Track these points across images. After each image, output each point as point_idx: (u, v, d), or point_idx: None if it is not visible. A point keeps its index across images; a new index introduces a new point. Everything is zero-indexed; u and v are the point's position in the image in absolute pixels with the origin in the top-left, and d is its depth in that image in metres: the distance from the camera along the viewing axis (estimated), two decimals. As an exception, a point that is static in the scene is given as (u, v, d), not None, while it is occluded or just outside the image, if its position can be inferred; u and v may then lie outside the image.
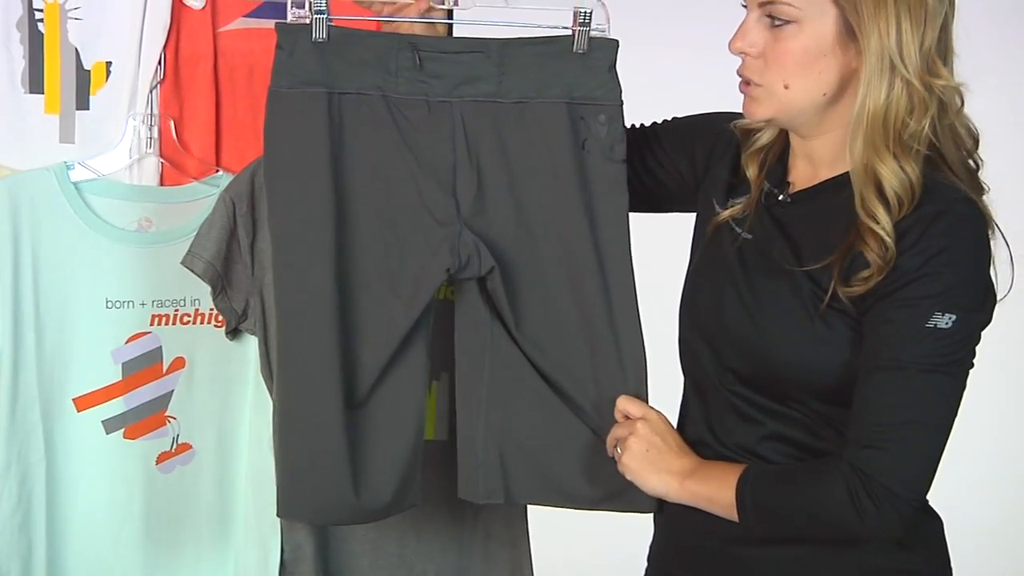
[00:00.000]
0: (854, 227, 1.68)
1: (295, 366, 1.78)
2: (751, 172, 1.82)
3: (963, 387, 1.64)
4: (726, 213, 1.82)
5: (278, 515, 1.82)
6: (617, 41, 1.84)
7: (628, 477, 1.75)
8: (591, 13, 1.83)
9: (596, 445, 1.83)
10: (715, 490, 1.70)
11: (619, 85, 1.85)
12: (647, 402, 1.83)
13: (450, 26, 1.88)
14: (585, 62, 1.82)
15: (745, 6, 1.73)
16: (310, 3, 1.75)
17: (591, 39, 1.83)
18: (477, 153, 1.81)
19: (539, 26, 1.84)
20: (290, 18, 1.76)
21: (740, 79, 1.75)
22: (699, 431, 1.82)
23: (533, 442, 1.84)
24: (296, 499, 1.78)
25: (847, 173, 1.72)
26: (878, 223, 1.64)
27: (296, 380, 1.78)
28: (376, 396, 1.80)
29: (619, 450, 1.76)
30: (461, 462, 1.83)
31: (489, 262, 1.79)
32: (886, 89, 1.65)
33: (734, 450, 1.76)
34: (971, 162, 1.73)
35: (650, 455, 1.74)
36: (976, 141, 1.74)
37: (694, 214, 1.94)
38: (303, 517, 1.86)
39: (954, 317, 1.60)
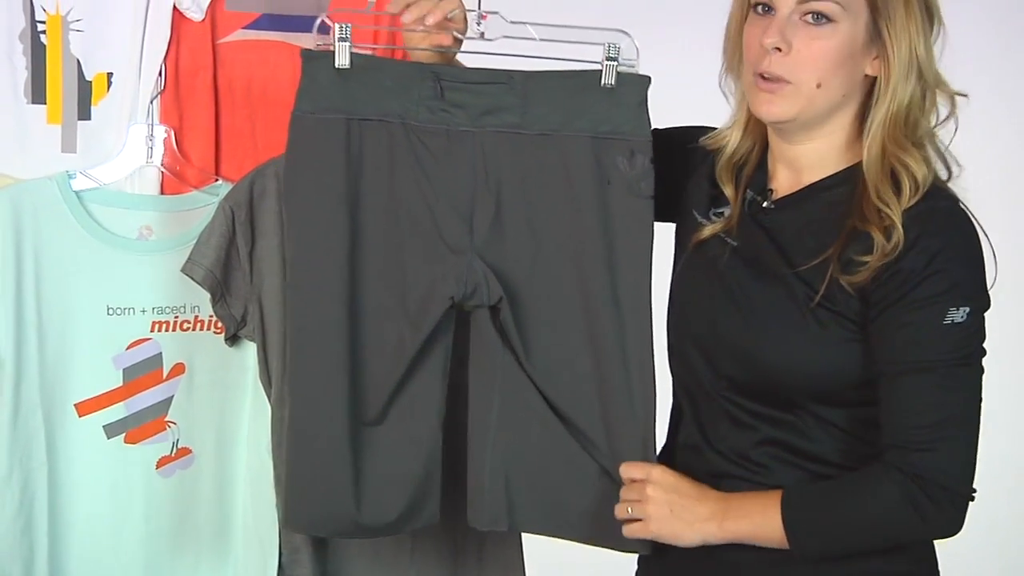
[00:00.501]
0: (844, 224, 1.71)
1: (306, 384, 1.81)
2: (727, 185, 1.84)
3: (983, 372, 1.69)
4: (712, 226, 1.84)
5: (282, 526, 1.86)
6: (649, 77, 1.85)
7: (662, 541, 1.74)
8: (620, 47, 1.83)
9: (601, 480, 1.84)
10: (758, 524, 1.70)
11: (648, 121, 1.85)
12: (654, 434, 1.83)
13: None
14: (613, 97, 1.83)
15: (767, 7, 1.74)
16: (333, 30, 1.77)
17: (620, 74, 1.83)
18: (497, 183, 1.82)
19: (567, 59, 1.85)
20: (313, 45, 1.79)
21: (763, 77, 1.75)
22: (692, 436, 1.84)
23: (538, 472, 1.86)
24: (299, 511, 1.82)
25: (832, 176, 1.76)
26: (889, 207, 1.68)
27: (306, 397, 1.81)
28: (390, 415, 1.83)
29: (631, 511, 1.75)
30: (470, 487, 1.85)
31: (498, 292, 1.81)
32: (910, 91, 1.71)
33: (727, 455, 1.78)
34: (947, 169, 1.78)
35: (675, 513, 1.74)
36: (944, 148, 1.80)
37: (672, 224, 1.95)
38: (305, 529, 1.88)
39: (968, 309, 1.65)
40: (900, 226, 1.67)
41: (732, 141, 1.85)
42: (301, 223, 1.81)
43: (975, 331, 1.68)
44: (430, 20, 1.82)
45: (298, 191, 1.81)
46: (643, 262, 1.85)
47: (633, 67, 1.84)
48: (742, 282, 1.79)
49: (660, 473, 1.75)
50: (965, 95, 1.75)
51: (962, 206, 1.73)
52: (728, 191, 1.84)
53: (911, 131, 1.73)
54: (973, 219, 1.73)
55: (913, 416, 1.66)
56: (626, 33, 1.84)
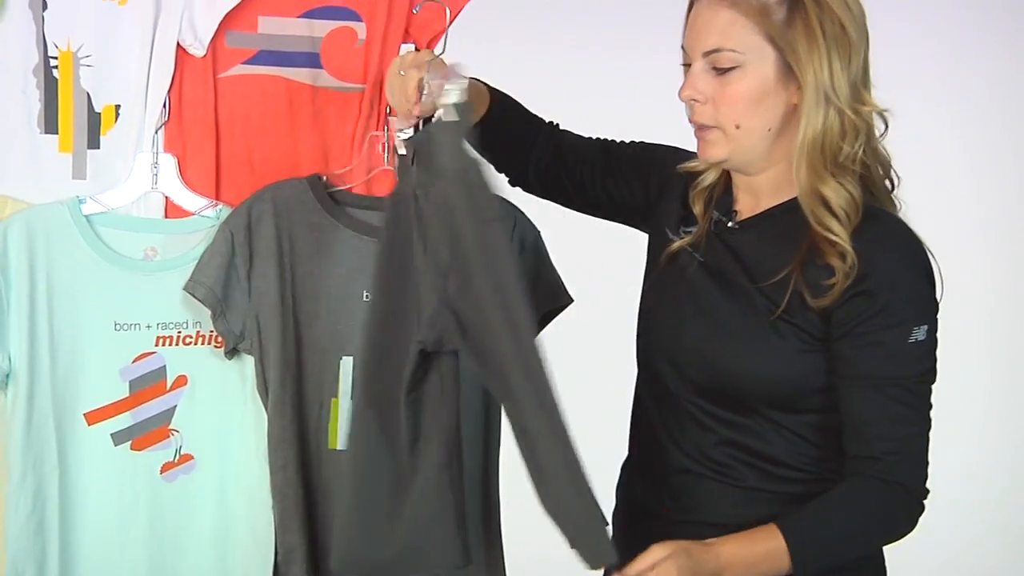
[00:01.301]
0: (800, 246, 1.76)
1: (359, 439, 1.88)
2: (697, 208, 1.89)
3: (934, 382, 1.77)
4: (681, 241, 1.89)
5: (332, 569, 1.92)
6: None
7: None
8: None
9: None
10: (767, 568, 1.74)
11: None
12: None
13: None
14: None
15: (686, 64, 1.80)
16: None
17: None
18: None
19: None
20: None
21: (695, 126, 1.82)
22: (659, 437, 1.89)
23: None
24: (348, 558, 1.88)
25: (788, 201, 1.81)
26: (835, 234, 1.73)
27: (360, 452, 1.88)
28: (411, 461, 1.86)
29: None
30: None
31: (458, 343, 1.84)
32: (822, 119, 1.73)
33: (691, 453, 1.84)
34: (888, 182, 1.83)
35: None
36: (889, 163, 1.84)
37: (646, 237, 2.01)
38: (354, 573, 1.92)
39: (927, 327, 1.73)
40: (851, 249, 1.72)
41: (710, 175, 1.91)
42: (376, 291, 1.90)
43: (933, 346, 1.75)
44: (417, 112, 1.87)
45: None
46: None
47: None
48: (707, 293, 1.85)
49: (660, 551, 1.72)
50: (885, 110, 1.78)
51: (910, 229, 1.79)
52: (697, 211, 1.90)
53: (830, 158, 1.75)
54: (920, 240, 1.79)
55: (884, 428, 1.73)
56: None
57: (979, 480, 3.95)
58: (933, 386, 1.78)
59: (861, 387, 1.75)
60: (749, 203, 1.88)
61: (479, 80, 2.03)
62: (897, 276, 1.74)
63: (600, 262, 2.88)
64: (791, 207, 1.82)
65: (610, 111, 2.64)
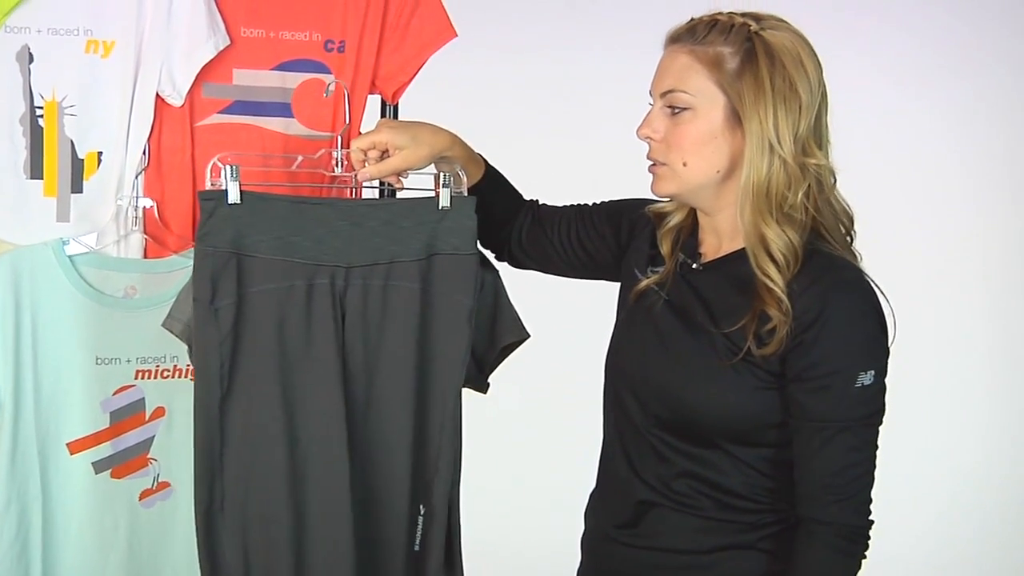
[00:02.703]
0: (757, 293, 1.80)
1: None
2: (664, 248, 1.93)
3: (881, 424, 1.80)
4: (648, 280, 1.93)
5: None
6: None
7: None
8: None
9: None
10: None
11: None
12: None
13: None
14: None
15: (651, 103, 1.87)
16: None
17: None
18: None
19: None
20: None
21: (649, 162, 1.87)
22: (622, 469, 1.93)
23: None
24: None
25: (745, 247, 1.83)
26: (772, 280, 1.77)
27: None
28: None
29: None
30: None
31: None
32: (767, 166, 1.77)
33: (653, 484, 1.89)
34: (848, 236, 1.86)
35: None
36: (851, 218, 1.86)
37: (618, 283, 2.05)
38: None
39: (873, 372, 1.76)
40: (786, 296, 1.75)
41: (676, 216, 1.95)
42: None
43: (881, 389, 1.78)
44: (367, 172, 1.98)
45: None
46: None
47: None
48: (671, 331, 1.88)
49: None
50: (829, 165, 1.80)
51: (862, 275, 1.81)
52: (664, 251, 1.94)
53: (776, 205, 1.78)
54: (873, 285, 1.81)
55: (829, 471, 1.76)
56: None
57: (976, 482, 3.98)
58: (879, 428, 1.81)
59: (809, 430, 1.78)
60: (713, 245, 1.91)
61: (479, 154, 2.12)
62: (844, 323, 1.77)
63: (576, 299, 2.92)
64: (746, 254, 1.86)
65: (609, 111, 2.64)
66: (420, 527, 2.03)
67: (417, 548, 2.04)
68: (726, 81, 1.79)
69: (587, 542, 2.04)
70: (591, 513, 2.06)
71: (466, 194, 2.03)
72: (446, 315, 2.00)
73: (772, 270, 1.78)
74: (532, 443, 3.53)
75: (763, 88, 1.78)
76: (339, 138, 2.12)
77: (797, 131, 1.79)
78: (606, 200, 2.13)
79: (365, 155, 1.98)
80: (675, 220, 1.95)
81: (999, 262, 4.01)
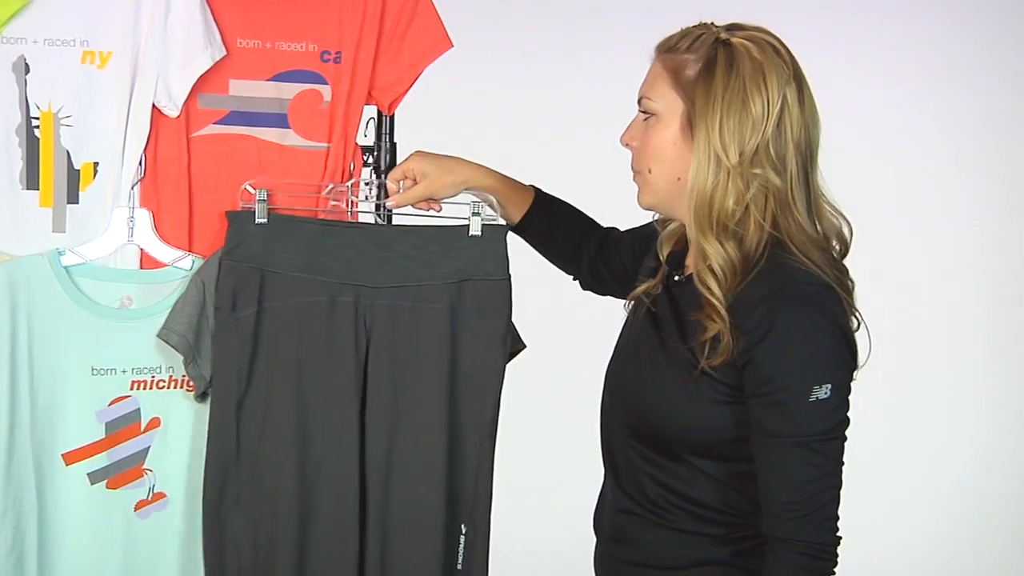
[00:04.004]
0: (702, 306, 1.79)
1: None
2: (663, 253, 1.94)
3: (845, 440, 1.78)
4: (638, 289, 1.94)
5: None
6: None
7: None
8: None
9: None
10: None
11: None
12: None
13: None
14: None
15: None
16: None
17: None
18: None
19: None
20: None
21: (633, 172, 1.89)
22: (608, 476, 1.96)
23: None
24: None
25: None
26: (709, 291, 1.77)
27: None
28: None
29: None
30: None
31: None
32: (712, 177, 1.76)
33: (632, 494, 1.90)
34: (829, 251, 1.83)
35: None
36: (839, 234, 1.83)
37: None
38: None
39: (830, 386, 1.73)
40: (724, 308, 1.75)
41: (675, 223, 1.95)
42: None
43: (840, 402, 1.76)
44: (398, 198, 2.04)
45: None
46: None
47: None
48: (647, 340, 1.90)
49: None
50: (772, 180, 1.76)
51: (823, 289, 1.78)
52: (663, 253, 1.95)
53: (716, 219, 1.77)
54: (840, 299, 1.78)
55: (787, 487, 1.75)
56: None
57: (972, 485, 3.97)
58: (843, 441, 1.78)
59: (766, 445, 1.77)
60: (694, 259, 1.91)
61: (532, 186, 2.17)
62: (794, 337, 1.75)
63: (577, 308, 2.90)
64: None
65: (606, 117, 2.58)
66: (463, 546, 2.07)
67: (460, 567, 2.08)
68: (685, 88, 1.81)
69: (595, 557, 2.05)
70: (595, 527, 2.08)
71: (500, 223, 2.08)
72: (479, 337, 2.04)
73: (712, 282, 1.78)
74: (531, 452, 3.52)
75: (714, 96, 1.77)
76: (372, 171, 2.17)
77: (745, 144, 1.77)
78: (630, 229, 2.16)
79: (399, 185, 2.03)
80: (672, 226, 1.97)
81: (997, 268, 4.02)
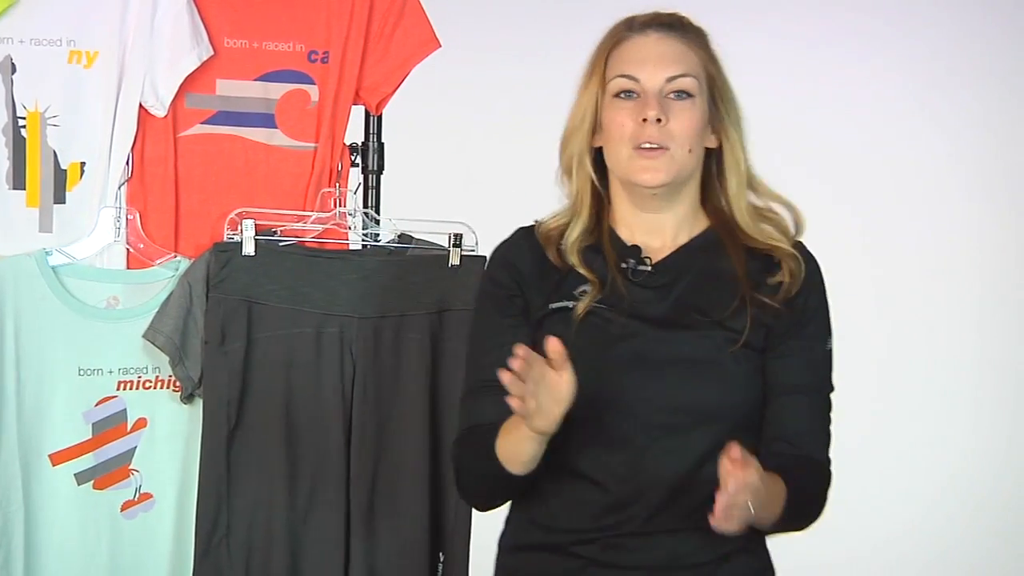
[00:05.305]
0: (736, 273, 1.82)
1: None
2: (580, 265, 1.82)
3: None
4: (585, 302, 1.80)
5: None
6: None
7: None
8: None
9: None
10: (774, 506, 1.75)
11: None
12: None
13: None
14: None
15: (631, 92, 1.82)
16: None
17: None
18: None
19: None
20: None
21: (646, 147, 1.80)
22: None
23: None
24: None
25: (701, 235, 1.85)
26: (780, 242, 1.84)
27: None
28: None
29: None
30: None
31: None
32: (744, 146, 1.85)
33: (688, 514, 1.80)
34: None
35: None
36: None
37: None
38: None
39: (831, 339, 1.84)
40: (798, 255, 1.82)
41: (577, 227, 1.84)
42: None
43: (832, 356, 1.86)
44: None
45: None
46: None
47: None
48: (655, 340, 1.81)
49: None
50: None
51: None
52: (584, 270, 1.83)
53: (755, 187, 1.87)
54: None
55: (819, 422, 1.82)
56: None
57: (965, 481, 3.95)
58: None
59: (792, 391, 1.81)
60: (658, 242, 1.87)
61: None
62: (821, 290, 1.85)
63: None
64: (705, 240, 1.86)
65: None
66: (440, 573, 2.15)
67: None
68: (706, 64, 1.86)
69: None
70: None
71: (479, 254, 2.13)
72: (460, 364, 1.98)
73: (779, 237, 1.85)
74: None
75: (723, 68, 1.87)
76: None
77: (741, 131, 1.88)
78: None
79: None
80: (577, 230, 1.86)
81: (992, 266, 4.03)
